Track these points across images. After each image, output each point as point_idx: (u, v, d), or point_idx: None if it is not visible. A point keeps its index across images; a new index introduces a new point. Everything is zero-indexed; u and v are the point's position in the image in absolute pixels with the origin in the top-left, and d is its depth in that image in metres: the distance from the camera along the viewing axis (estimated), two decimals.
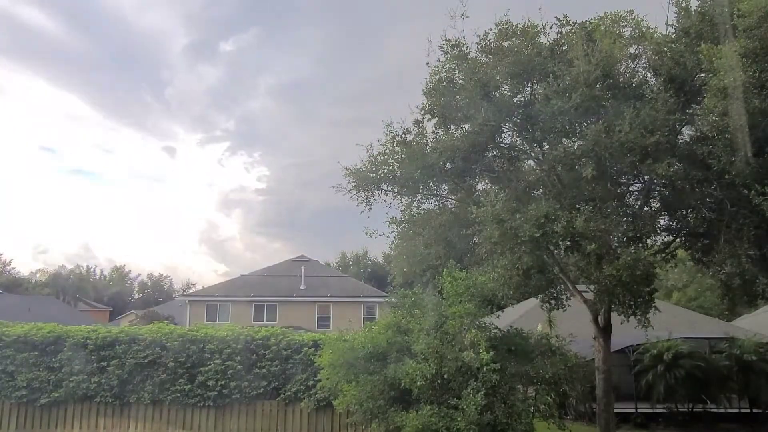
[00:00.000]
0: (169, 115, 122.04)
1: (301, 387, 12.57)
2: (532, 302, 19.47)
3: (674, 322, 21.15)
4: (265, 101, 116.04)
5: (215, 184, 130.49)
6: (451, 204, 13.95)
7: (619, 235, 11.01)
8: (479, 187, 13.66)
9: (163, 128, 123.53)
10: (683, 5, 11.92)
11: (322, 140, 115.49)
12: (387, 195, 13.34)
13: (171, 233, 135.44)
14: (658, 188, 12.64)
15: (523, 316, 22.64)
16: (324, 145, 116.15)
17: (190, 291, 68.40)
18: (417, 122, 12.98)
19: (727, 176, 10.79)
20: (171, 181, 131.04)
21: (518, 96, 12.36)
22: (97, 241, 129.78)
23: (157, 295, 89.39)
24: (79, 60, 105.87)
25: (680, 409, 18.65)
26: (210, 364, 12.69)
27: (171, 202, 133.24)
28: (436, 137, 12.75)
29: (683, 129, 12.05)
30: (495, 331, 10.41)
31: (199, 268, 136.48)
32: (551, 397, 10.55)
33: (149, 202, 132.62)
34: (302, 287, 38.90)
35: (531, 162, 13.51)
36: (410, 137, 12.84)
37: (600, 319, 13.35)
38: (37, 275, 76.57)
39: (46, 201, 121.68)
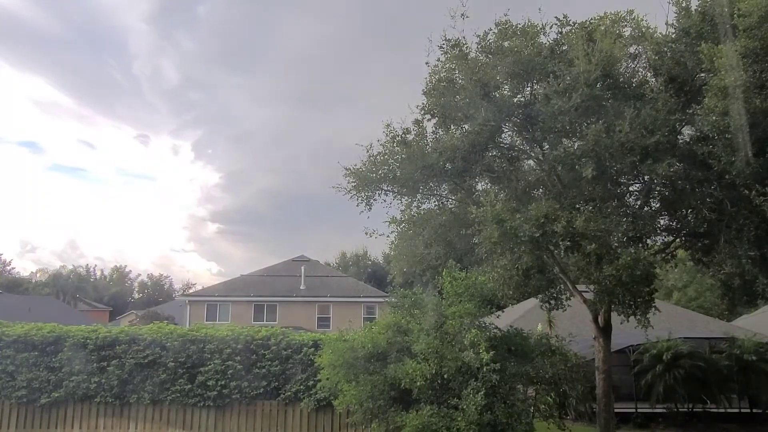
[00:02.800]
0: (140, 95, 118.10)
1: (301, 387, 12.57)
2: (532, 302, 19.49)
3: (674, 322, 21.18)
4: (245, 77, 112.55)
5: (195, 177, 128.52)
6: (451, 204, 13.95)
7: (619, 235, 11.00)
8: (479, 187, 13.65)
9: (136, 111, 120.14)
10: (683, 5, 11.91)
11: (308, 122, 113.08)
12: (387, 195, 13.33)
13: (157, 230, 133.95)
14: (658, 188, 12.64)
15: (523, 316, 22.66)
16: (311, 128, 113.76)
17: (190, 291, 68.43)
18: (417, 122, 12.97)
19: (727, 176, 10.79)
20: (150, 173, 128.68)
21: (518, 96, 12.35)
22: (83, 239, 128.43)
23: (157, 295, 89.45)
24: (39, 37, 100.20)
25: (680, 409, 18.64)
26: (210, 364, 12.68)
27: (152, 196, 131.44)
28: (436, 137, 12.74)
29: (683, 129, 12.04)
30: (495, 331, 10.41)
31: (191, 267, 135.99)
32: (551, 397, 10.57)
33: (132, 197, 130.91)
34: (302, 287, 38.91)
35: (531, 162, 13.50)
36: (410, 137, 12.83)
37: (600, 319, 13.34)
38: (37, 275, 76.76)
39: (27, 197, 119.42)
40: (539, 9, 11.99)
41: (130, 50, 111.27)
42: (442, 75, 12.47)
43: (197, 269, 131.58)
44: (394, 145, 12.77)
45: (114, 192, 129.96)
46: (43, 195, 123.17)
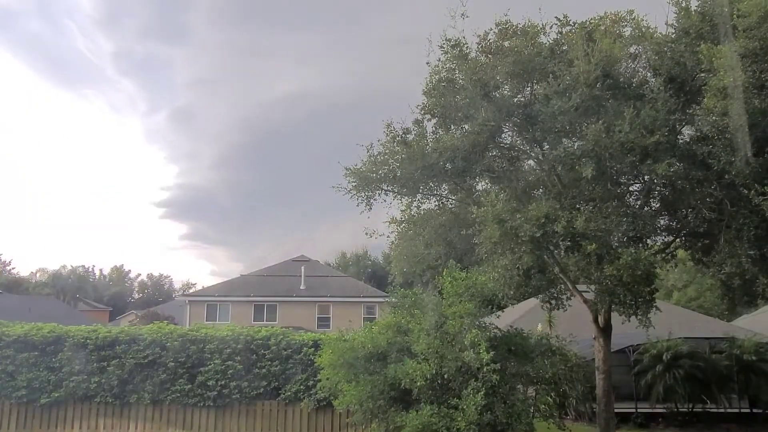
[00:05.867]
0: (104, 66, 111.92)
1: (301, 387, 12.58)
2: (532, 302, 19.49)
3: (674, 322, 21.15)
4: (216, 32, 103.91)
5: (171, 164, 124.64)
6: (451, 204, 13.96)
7: (620, 235, 11.00)
8: (479, 187, 13.65)
9: (102, 89, 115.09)
10: (683, 5, 11.91)
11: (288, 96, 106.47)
12: (387, 195, 13.34)
13: (143, 228, 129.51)
14: (658, 188, 12.65)
15: (523, 316, 22.66)
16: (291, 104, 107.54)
17: (190, 291, 68.41)
18: (417, 122, 12.97)
19: (727, 176, 10.80)
20: (124, 164, 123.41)
21: (518, 96, 12.36)
22: (70, 239, 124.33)
23: (157, 295, 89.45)
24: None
25: (680, 409, 18.65)
26: (210, 364, 12.69)
27: (134, 191, 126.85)
28: (436, 137, 12.74)
29: (683, 129, 12.05)
30: (495, 331, 10.42)
31: (184, 266, 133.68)
32: (551, 397, 10.58)
33: (113, 191, 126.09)
34: (302, 287, 38.91)
35: (531, 162, 13.50)
36: (410, 137, 12.84)
37: (600, 319, 13.35)
38: (37, 275, 76.74)
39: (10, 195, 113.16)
40: (539, 9, 12.02)
41: (85, 21, 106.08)
42: (442, 75, 12.48)
43: (189, 268, 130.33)
44: (395, 145, 12.79)
45: (94, 187, 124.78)
46: (21, 192, 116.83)
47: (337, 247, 77.15)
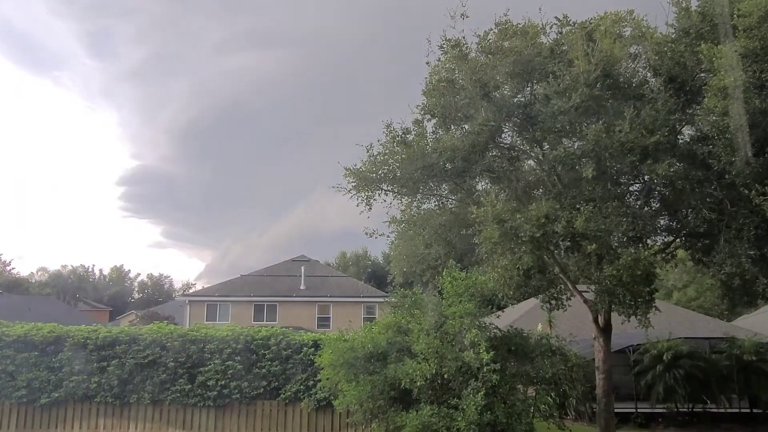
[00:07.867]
0: (59, 37, 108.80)
1: (301, 387, 12.58)
2: (532, 302, 19.52)
3: (674, 322, 21.18)
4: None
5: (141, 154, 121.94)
6: (451, 204, 13.94)
7: (620, 235, 10.99)
8: (479, 187, 13.64)
9: (74, 74, 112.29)
10: (683, 5, 11.91)
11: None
12: (387, 195, 13.33)
13: (130, 226, 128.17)
14: (658, 188, 12.63)
15: (523, 316, 22.68)
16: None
17: (190, 291, 68.42)
18: (417, 122, 12.97)
19: (727, 176, 10.80)
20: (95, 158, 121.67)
21: (518, 96, 12.35)
22: (61, 237, 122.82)
23: (156, 295, 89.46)
24: None
25: (680, 409, 18.66)
26: (210, 364, 12.70)
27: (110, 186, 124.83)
28: (436, 137, 12.74)
29: (683, 129, 12.04)
30: (495, 331, 10.42)
31: (176, 264, 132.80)
32: (551, 397, 10.55)
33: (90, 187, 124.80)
34: (302, 287, 38.92)
35: (531, 162, 13.50)
36: (410, 137, 12.84)
37: (600, 319, 13.34)
38: (38, 275, 76.75)
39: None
40: (539, 9, 12.01)
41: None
42: (442, 75, 12.47)
43: (183, 266, 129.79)
44: (395, 145, 12.78)
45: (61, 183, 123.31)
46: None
47: (321, 235, 76.71)
